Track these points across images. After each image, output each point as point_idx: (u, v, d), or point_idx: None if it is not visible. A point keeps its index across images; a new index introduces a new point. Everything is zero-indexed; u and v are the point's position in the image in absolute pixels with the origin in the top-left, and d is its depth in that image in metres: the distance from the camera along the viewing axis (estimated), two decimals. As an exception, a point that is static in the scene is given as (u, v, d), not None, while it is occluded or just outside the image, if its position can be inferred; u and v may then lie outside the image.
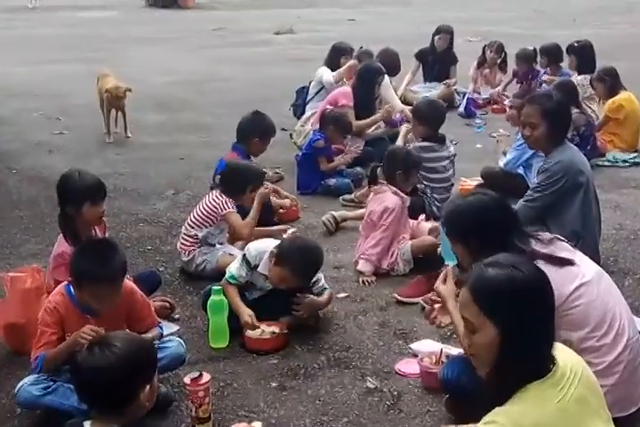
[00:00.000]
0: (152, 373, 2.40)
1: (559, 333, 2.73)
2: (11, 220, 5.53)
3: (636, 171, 6.42)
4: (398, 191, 4.59)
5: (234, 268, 3.84)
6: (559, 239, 2.99)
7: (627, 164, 6.56)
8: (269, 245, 3.83)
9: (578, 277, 2.77)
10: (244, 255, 3.85)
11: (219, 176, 5.21)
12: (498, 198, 3.13)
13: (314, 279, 3.89)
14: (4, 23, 14.78)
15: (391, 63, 7.78)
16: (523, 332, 1.97)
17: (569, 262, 2.81)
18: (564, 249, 2.90)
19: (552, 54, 8.17)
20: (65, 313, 3.08)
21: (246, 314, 3.69)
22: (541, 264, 2.64)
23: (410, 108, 6.85)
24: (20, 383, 3.02)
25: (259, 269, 3.82)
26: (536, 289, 2.02)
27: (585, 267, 2.87)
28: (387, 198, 4.57)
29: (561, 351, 2.05)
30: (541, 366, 1.97)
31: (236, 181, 4.59)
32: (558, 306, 2.61)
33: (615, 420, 2.67)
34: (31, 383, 2.99)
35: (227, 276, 3.83)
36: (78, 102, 9.09)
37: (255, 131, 5.35)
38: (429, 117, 5.46)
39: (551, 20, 16.68)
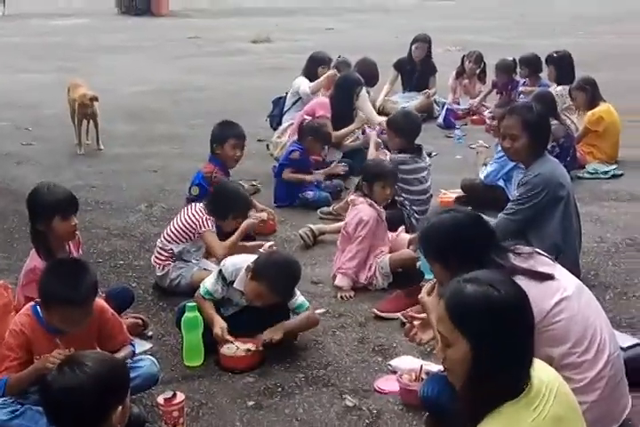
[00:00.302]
0: (124, 393, 2.37)
1: (540, 349, 2.74)
2: None
3: (617, 183, 6.46)
4: (374, 204, 4.59)
5: (208, 283, 3.80)
6: (538, 253, 2.99)
7: (607, 176, 6.59)
8: (246, 260, 3.80)
9: (558, 292, 2.76)
10: (220, 271, 3.83)
11: (195, 188, 5.22)
12: (472, 215, 3.16)
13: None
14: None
15: (369, 73, 7.84)
16: (495, 350, 1.97)
17: (549, 277, 2.81)
18: (543, 263, 2.90)
19: (531, 65, 8.25)
20: (32, 335, 3.04)
21: (218, 326, 3.67)
22: (521, 279, 2.64)
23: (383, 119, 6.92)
24: None
25: (235, 285, 3.78)
26: (512, 309, 2.02)
27: (565, 281, 2.87)
28: (362, 210, 4.57)
29: (538, 368, 2.05)
30: (515, 385, 1.96)
31: (220, 205, 4.56)
32: (538, 322, 2.60)
33: None
34: None
35: (201, 291, 3.80)
36: (49, 112, 9.06)
37: (223, 136, 5.29)
38: (405, 129, 5.45)
39: (532, 30, 16.83)
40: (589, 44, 14.33)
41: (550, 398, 1.98)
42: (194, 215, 4.51)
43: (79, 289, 2.99)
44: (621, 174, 6.62)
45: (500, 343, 1.97)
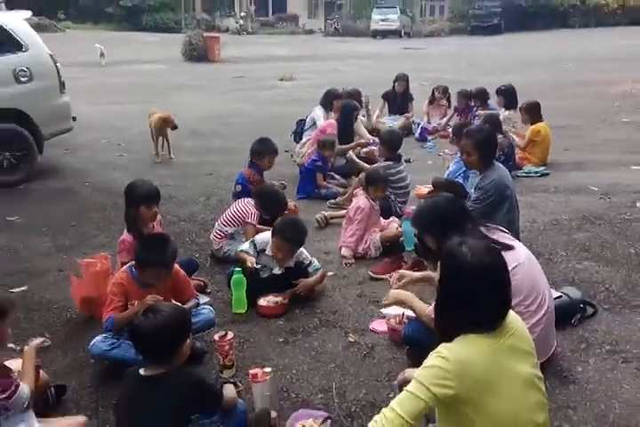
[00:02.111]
0: (188, 332, 2.40)
1: None
2: (85, 220, 5.48)
3: (545, 180, 6.37)
4: (369, 197, 4.57)
5: (245, 245, 3.88)
6: (501, 230, 2.98)
7: (538, 174, 6.51)
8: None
9: (515, 260, 2.73)
10: (253, 240, 3.88)
11: (238, 186, 5.20)
12: (453, 198, 3.15)
13: (306, 262, 3.86)
14: (78, 75, 14.62)
15: (355, 99, 7.68)
16: (468, 302, 1.93)
17: (510, 247, 2.80)
18: (505, 237, 2.90)
19: (482, 95, 8.15)
20: (128, 286, 3.07)
21: (249, 261, 3.72)
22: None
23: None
24: (93, 341, 3.02)
25: (266, 252, 3.80)
26: (483, 269, 1.94)
27: (520, 251, 2.86)
28: (360, 200, 4.57)
29: (511, 318, 2.02)
30: (480, 324, 1.92)
31: (267, 206, 4.51)
32: None
33: None
34: (101, 341, 3.00)
35: (240, 248, 3.89)
36: (134, 133, 9.01)
37: (262, 150, 5.27)
38: (391, 143, 5.40)
39: (481, 71, 16.65)
40: (523, 80, 14.10)
41: (508, 334, 1.95)
42: (244, 207, 4.48)
43: (166, 255, 3.04)
44: (548, 173, 6.55)
45: (461, 290, 1.96)
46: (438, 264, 2.10)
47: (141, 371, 2.26)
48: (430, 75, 15.13)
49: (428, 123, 8.92)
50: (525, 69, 16.73)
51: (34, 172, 6.75)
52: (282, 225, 3.76)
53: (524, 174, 6.51)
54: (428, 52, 24.54)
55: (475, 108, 8.27)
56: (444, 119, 8.79)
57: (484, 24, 33.95)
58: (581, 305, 3.39)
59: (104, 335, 3.01)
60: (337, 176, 6.36)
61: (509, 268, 2.66)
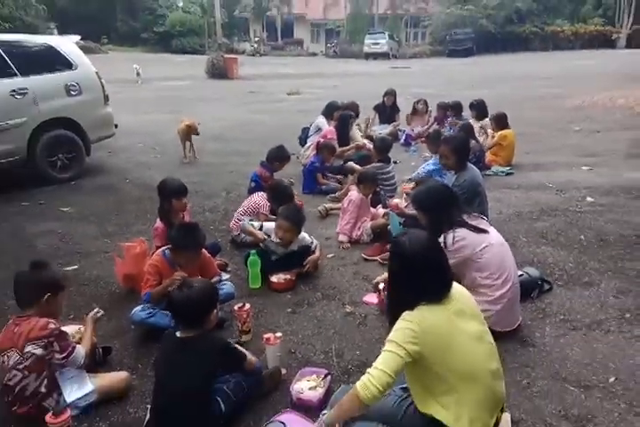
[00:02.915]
0: (215, 302, 2.41)
1: (472, 273, 2.76)
2: (125, 211, 5.45)
3: (510, 178, 6.32)
4: (360, 192, 4.55)
5: (254, 224, 3.91)
6: (482, 218, 2.97)
7: (504, 173, 6.47)
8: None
9: (486, 240, 2.76)
10: (262, 225, 3.90)
11: (252, 183, 5.17)
12: (444, 184, 3.12)
13: (310, 243, 3.84)
14: (118, 89, 14.55)
15: (353, 110, 7.68)
16: (413, 278, 1.97)
17: (484, 231, 2.81)
18: (482, 224, 2.89)
19: (457, 107, 8.09)
20: (161, 267, 3.06)
21: (261, 235, 3.74)
22: (465, 230, 2.70)
23: (367, 141, 6.99)
24: (133, 310, 3.02)
25: (272, 238, 3.79)
26: (414, 254, 1.97)
27: (493, 236, 2.86)
28: (352, 195, 4.55)
29: (456, 287, 2.04)
30: (430, 297, 1.93)
31: (277, 198, 4.45)
32: (472, 255, 2.69)
33: (504, 333, 2.74)
34: (140, 310, 3.00)
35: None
36: (166, 138, 8.93)
37: (278, 157, 5.25)
38: (382, 147, 5.37)
39: (457, 86, 16.55)
40: (493, 94, 14.02)
41: (456, 301, 1.97)
42: (258, 200, 4.47)
43: (196, 240, 3.05)
44: (513, 173, 6.50)
45: (409, 272, 1.98)
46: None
47: (177, 333, 2.27)
48: (414, 90, 15.01)
49: (412, 130, 8.86)
50: (494, 85, 16.61)
51: (83, 170, 6.72)
52: (284, 209, 3.77)
53: (493, 173, 6.46)
54: (411, 71, 24.33)
55: (450, 118, 8.21)
56: (425, 127, 8.73)
57: (459, 47, 33.67)
58: (539, 282, 3.39)
59: (142, 306, 3.02)
60: (331, 175, 6.26)
61: (481, 246, 2.67)
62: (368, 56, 34.00)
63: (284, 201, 4.43)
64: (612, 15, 36.27)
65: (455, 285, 2.04)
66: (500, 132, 6.73)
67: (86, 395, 2.37)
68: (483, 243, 2.73)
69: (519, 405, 2.36)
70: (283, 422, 2.03)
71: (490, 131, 7.04)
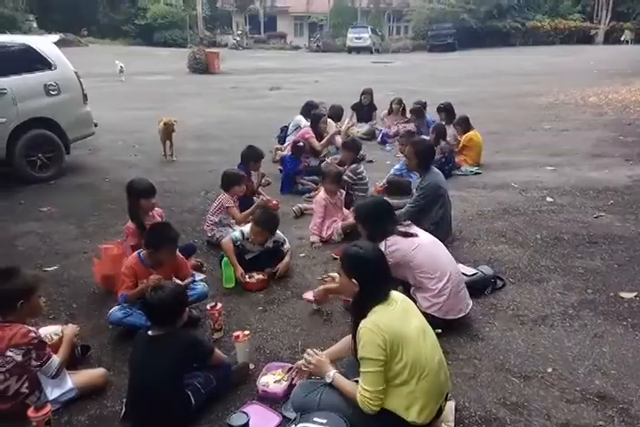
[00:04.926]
0: (185, 303, 2.58)
1: (412, 272, 3.01)
2: (105, 211, 5.50)
3: (477, 177, 6.49)
4: (326, 193, 4.67)
5: (236, 233, 3.92)
6: (414, 225, 3.18)
7: (472, 173, 6.65)
8: None
9: (415, 243, 3.00)
10: (241, 230, 3.94)
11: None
12: (382, 199, 3.37)
13: (280, 241, 3.97)
14: (98, 84, 14.47)
15: (337, 113, 7.91)
16: (363, 279, 2.18)
17: (412, 235, 3.04)
18: (413, 229, 3.12)
19: (417, 111, 8.18)
20: (137, 269, 3.18)
21: (239, 272, 3.75)
22: (397, 236, 2.95)
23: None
24: (111, 310, 3.15)
25: (250, 241, 3.91)
26: (368, 259, 2.21)
27: (423, 238, 3.08)
28: (318, 196, 4.71)
29: (393, 292, 2.25)
30: (380, 297, 2.16)
31: (224, 184, 4.61)
32: (405, 256, 2.94)
33: (452, 320, 2.99)
34: (117, 310, 3.13)
35: (232, 236, 3.89)
36: (146, 136, 8.90)
37: (251, 157, 5.32)
38: (353, 148, 5.47)
39: (437, 82, 16.77)
40: (471, 91, 14.32)
41: (398, 301, 2.19)
42: (220, 197, 4.55)
43: (173, 234, 3.18)
44: (480, 173, 6.68)
45: (364, 276, 2.19)
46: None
47: (149, 332, 2.45)
48: (395, 85, 15.19)
49: (388, 129, 9.03)
50: (472, 81, 16.93)
51: (62, 169, 6.76)
52: (260, 216, 3.86)
53: (461, 173, 6.64)
54: (393, 66, 24.47)
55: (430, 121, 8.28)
56: (400, 126, 8.89)
57: (440, 42, 33.89)
58: (492, 279, 3.61)
59: (120, 306, 3.14)
60: (307, 178, 6.32)
61: (411, 247, 2.94)
62: (351, 50, 34.06)
63: (234, 183, 4.57)
64: (591, 11, 36.83)
65: (392, 291, 2.26)
66: (465, 135, 6.92)
67: (66, 391, 2.54)
68: (413, 245, 3.00)
69: (464, 394, 2.58)
70: (245, 413, 2.23)
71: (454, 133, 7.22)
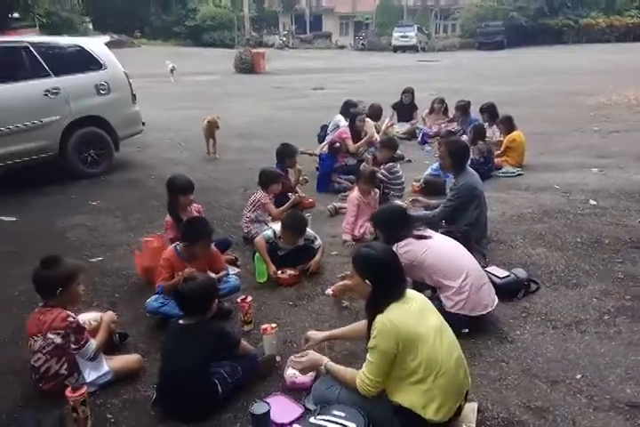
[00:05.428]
0: (215, 294, 2.68)
1: (429, 273, 3.02)
2: (149, 206, 5.66)
3: (519, 179, 6.35)
4: (359, 192, 4.69)
5: (268, 232, 4.00)
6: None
7: (514, 175, 6.50)
8: None
9: (427, 245, 3.02)
10: (273, 229, 4.01)
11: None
12: (400, 207, 3.45)
13: (311, 238, 4.02)
14: (147, 84, 14.92)
15: (376, 112, 7.89)
16: (377, 280, 2.21)
17: (425, 237, 3.07)
18: (427, 232, 3.14)
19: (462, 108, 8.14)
20: (173, 261, 3.30)
21: (272, 269, 3.83)
22: (409, 238, 3.01)
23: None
24: (148, 300, 3.28)
25: (281, 240, 3.98)
26: (381, 260, 2.23)
27: (435, 240, 3.10)
28: (352, 195, 4.73)
29: (411, 291, 2.28)
30: (394, 296, 2.18)
31: (262, 182, 4.71)
32: (417, 258, 2.99)
33: (480, 318, 2.97)
34: (154, 300, 3.25)
35: (264, 234, 3.97)
36: (192, 134, 9.10)
37: (286, 154, 5.43)
38: (390, 146, 5.52)
39: (484, 81, 16.41)
40: (519, 90, 13.95)
41: (415, 301, 2.21)
42: (256, 195, 4.64)
43: (208, 229, 3.30)
44: (522, 174, 6.53)
45: (380, 277, 2.21)
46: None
47: (180, 321, 2.56)
48: (439, 84, 14.99)
49: (429, 129, 8.94)
50: (521, 80, 16.49)
51: (112, 166, 7.05)
52: (286, 220, 3.91)
53: (502, 174, 6.50)
54: (439, 64, 24.15)
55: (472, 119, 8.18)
56: (442, 126, 8.79)
57: (489, 40, 33.19)
58: (525, 283, 3.53)
59: (156, 296, 3.27)
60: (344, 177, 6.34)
61: (422, 249, 2.98)
62: (396, 49, 33.85)
63: (271, 181, 4.66)
64: (650, 7, 35.09)
65: (408, 289, 2.28)
66: (507, 135, 6.77)
67: (103, 375, 2.69)
68: (424, 247, 3.02)
69: (488, 395, 2.56)
70: (267, 402, 2.30)
71: (497, 133, 7.08)
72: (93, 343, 2.65)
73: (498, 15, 34.40)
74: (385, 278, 2.21)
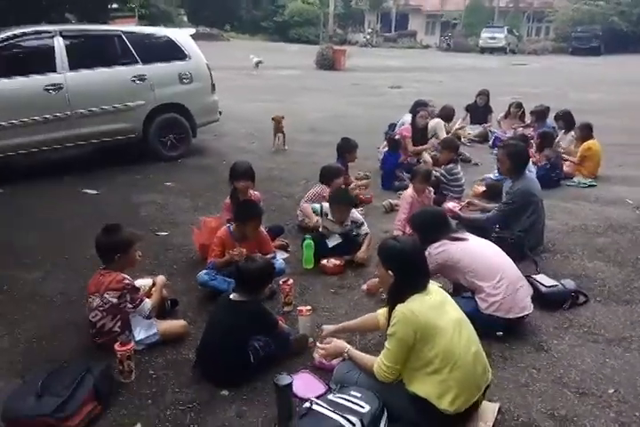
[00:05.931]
0: (272, 277, 2.91)
1: (463, 274, 3.03)
2: (217, 190, 5.80)
3: (590, 190, 6.09)
4: (413, 190, 4.67)
5: (316, 205, 4.25)
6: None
7: (585, 185, 6.24)
8: None
9: (462, 246, 3.01)
10: (322, 204, 4.22)
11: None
12: (439, 210, 3.47)
13: (358, 222, 4.12)
14: (231, 76, 15.49)
15: (448, 114, 7.78)
16: (401, 271, 2.26)
17: (461, 239, 3.06)
18: (464, 235, 3.14)
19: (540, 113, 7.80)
20: (225, 240, 3.51)
21: (315, 219, 4.08)
22: (444, 240, 3.02)
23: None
24: (199, 273, 3.50)
25: (328, 217, 4.12)
26: (405, 251, 2.28)
27: (471, 241, 3.09)
28: (406, 193, 4.73)
29: (433, 286, 2.33)
30: (417, 287, 2.24)
31: (325, 177, 4.87)
32: (450, 259, 3.00)
33: (515, 319, 2.96)
34: (205, 274, 3.47)
35: (312, 205, 4.27)
36: (265, 126, 9.10)
37: (346, 148, 5.55)
38: (451, 147, 5.47)
39: (573, 87, 15.58)
40: (608, 98, 13.16)
41: (436, 294, 2.26)
42: (318, 189, 4.79)
43: (258, 210, 3.54)
44: (595, 185, 6.24)
45: (399, 268, 2.27)
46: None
47: (231, 296, 2.75)
48: (523, 89, 14.45)
49: (503, 132, 8.69)
50: (613, 88, 15.54)
51: (188, 150, 7.43)
52: (333, 194, 4.12)
53: (574, 184, 6.26)
54: (527, 68, 23.19)
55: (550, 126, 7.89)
56: (517, 131, 8.52)
57: (584, 46, 31.36)
58: (573, 294, 3.43)
59: (207, 271, 3.50)
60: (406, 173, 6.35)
61: (457, 250, 2.98)
62: (484, 50, 32.85)
63: (332, 177, 4.79)
64: None
65: (431, 283, 2.33)
66: (583, 144, 6.49)
67: (151, 335, 2.95)
68: (458, 248, 3.01)
69: (511, 398, 2.54)
70: (291, 376, 2.43)
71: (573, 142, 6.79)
72: (148, 302, 2.91)
73: (596, 19, 32.36)
74: (407, 270, 2.27)
